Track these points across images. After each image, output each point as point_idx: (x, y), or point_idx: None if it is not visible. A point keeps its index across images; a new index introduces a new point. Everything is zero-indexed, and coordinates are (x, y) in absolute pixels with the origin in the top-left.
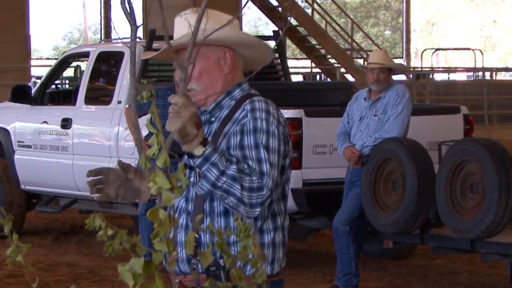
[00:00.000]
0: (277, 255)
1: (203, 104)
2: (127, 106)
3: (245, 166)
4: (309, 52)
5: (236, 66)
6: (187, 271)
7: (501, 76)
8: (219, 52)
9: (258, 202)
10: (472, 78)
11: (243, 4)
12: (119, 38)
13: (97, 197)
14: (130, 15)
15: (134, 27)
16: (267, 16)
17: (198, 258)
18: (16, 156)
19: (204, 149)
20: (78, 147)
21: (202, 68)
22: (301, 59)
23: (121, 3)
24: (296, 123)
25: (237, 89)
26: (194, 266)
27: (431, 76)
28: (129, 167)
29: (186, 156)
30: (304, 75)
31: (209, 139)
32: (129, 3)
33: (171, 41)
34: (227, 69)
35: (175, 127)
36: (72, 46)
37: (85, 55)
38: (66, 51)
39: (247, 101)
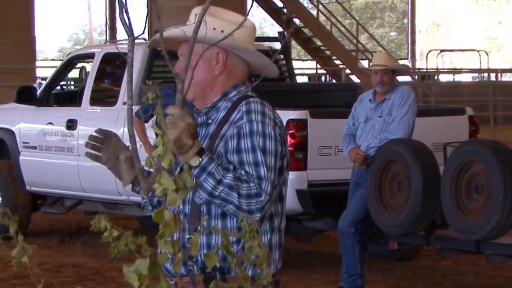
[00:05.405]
0: (272, 256)
1: (191, 101)
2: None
3: (243, 172)
4: (314, 53)
5: (229, 68)
6: (183, 273)
7: (507, 77)
8: (212, 51)
9: (258, 208)
10: (478, 80)
11: (248, 4)
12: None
13: (87, 153)
14: (127, 26)
15: (132, 37)
16: (272, 18)
17: (194, 260)
18: (21, 157)
19: (200, 159)
20: (83, 148)
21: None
22: (306, 60)
23: (119, 14)
24: (301, 124)
25: (233, 91)
26: (190, 268)
27: (436, 77)
28: (125, 150)
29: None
30: (309, 76)
31: (207, 140)
32: (127, 13)
33: (164, 32)
34: (218, 70)
35: (170, 137)
36: (77, 47)
37: (91, 56)
38: (71, 52)
39: (243, 103)
